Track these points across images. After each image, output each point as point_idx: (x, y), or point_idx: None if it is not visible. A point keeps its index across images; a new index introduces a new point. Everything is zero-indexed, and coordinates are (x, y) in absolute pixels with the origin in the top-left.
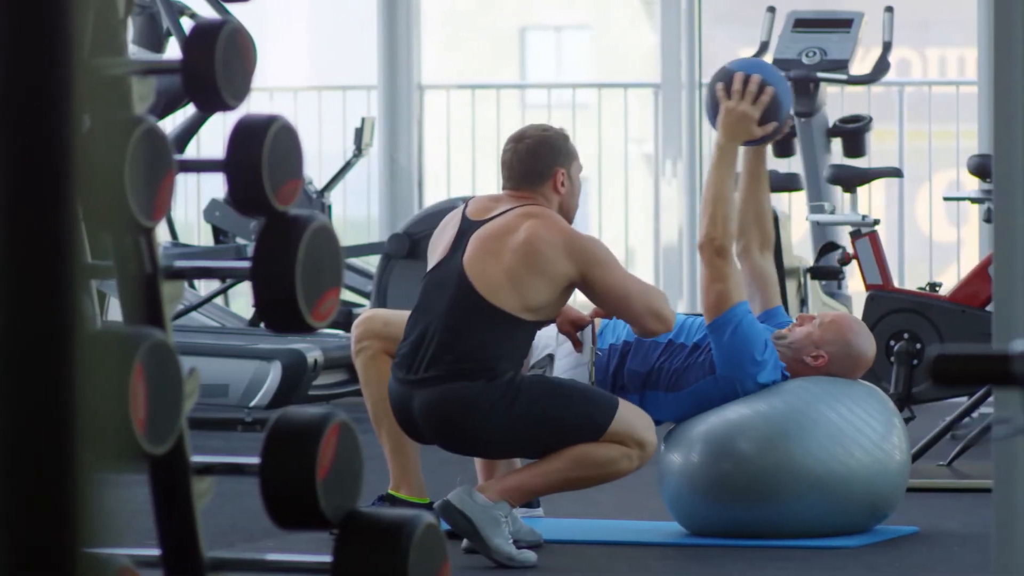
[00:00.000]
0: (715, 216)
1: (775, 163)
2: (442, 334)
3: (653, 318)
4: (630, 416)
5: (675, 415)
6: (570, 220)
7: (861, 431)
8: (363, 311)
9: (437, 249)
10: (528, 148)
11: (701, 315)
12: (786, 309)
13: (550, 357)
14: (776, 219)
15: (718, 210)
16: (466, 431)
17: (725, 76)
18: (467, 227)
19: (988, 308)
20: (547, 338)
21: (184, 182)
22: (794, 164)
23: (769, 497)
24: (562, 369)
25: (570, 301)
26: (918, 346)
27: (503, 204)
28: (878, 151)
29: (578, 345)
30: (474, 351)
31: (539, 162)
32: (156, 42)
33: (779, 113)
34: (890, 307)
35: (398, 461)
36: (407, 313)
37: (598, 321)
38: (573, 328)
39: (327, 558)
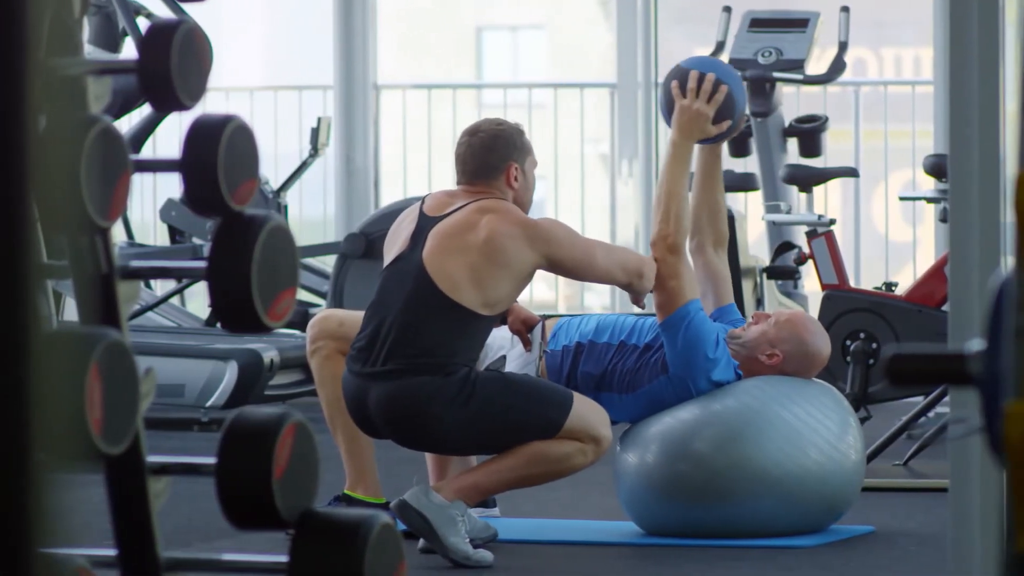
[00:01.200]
0: (668, 213)
1: (731, 163)
2: (400, 328)
3: (632, 275)
4: (585, 411)
5: (630, 416)
6: (524, 211)
7: (816, 431)
8: (319, 311)
9: (395, 244)
10: (482, 142)
11: (654, 315)
12: (742, 309)
13: (503, 359)
14: (732, 219)
15: (671, 207)
16: (422, 426)
17: (680, 74)
18: (424, 223)
19: (944, 308)
20: (501, 339)
21: (140, 182)
22: (750, 164)
23: (725, 497)
24: (512, 368)
25: (527, 302)
26: (874, 346)
27: (459, 199)
28: (834, 151)
29: (528, 344)
30: (432, 346)
31: (492, 156)
32: (112, 42)
33: (733, 111)
34: (846, 307)
35: (354, 461)
36: (363, 313)
37: (551, 322)
38: (524, 327)
39: (283, 558)
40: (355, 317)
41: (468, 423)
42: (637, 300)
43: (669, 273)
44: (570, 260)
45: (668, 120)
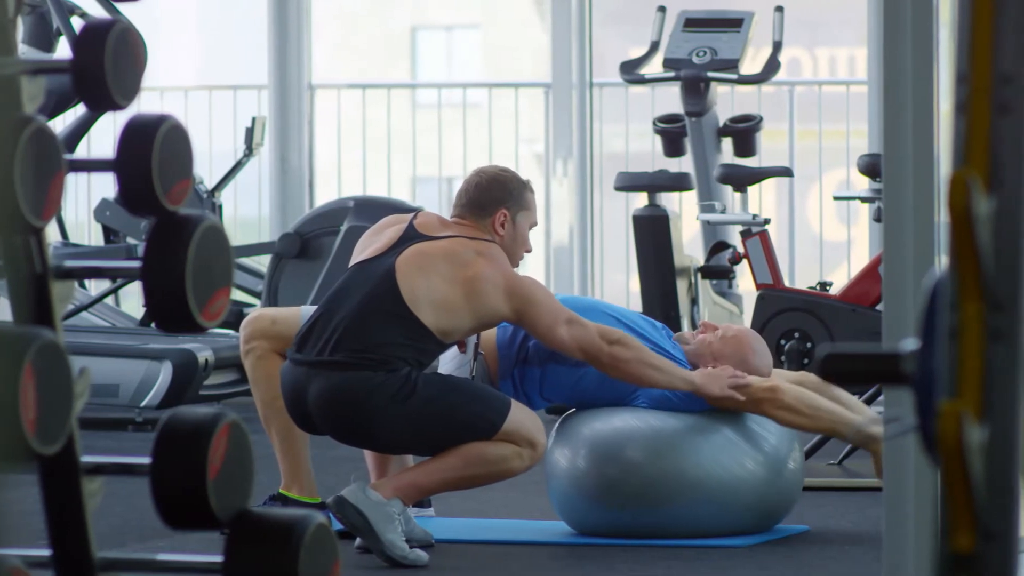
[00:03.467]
0: (798, 413)
1: (665, 162)
2: (351, 322)
3: (588, 356)
4: (522, 416)
5: (572, 394)
6: (513, 266)
7: (754, 442)
8: (260, 306)
9: (372, 245)
10: (479, 182)
11: (610, 305)
12: (676, 309)
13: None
14: (667, 219)
15: (800, 419)
16: (359, 421)
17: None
18: (411, 235)
19: (878, 307)
20: None
21: (74, 182)
22: (684, 163)
23: (658, 504)
24: (447, 368)
25: None
26: (808, 345)
27: (450, 229)
28: (768, 150)
29: (463, 346)
30: (380, 346)
31: (486, 196)
32: (46, 42)
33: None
34: (780, 306)
35: (289, 461)
36: (296, 311)
37: None
38: None
39: (218, 558)
40: (288, 315)
41: (406, 420)
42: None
43: (751, 406)
44: (535, 320)
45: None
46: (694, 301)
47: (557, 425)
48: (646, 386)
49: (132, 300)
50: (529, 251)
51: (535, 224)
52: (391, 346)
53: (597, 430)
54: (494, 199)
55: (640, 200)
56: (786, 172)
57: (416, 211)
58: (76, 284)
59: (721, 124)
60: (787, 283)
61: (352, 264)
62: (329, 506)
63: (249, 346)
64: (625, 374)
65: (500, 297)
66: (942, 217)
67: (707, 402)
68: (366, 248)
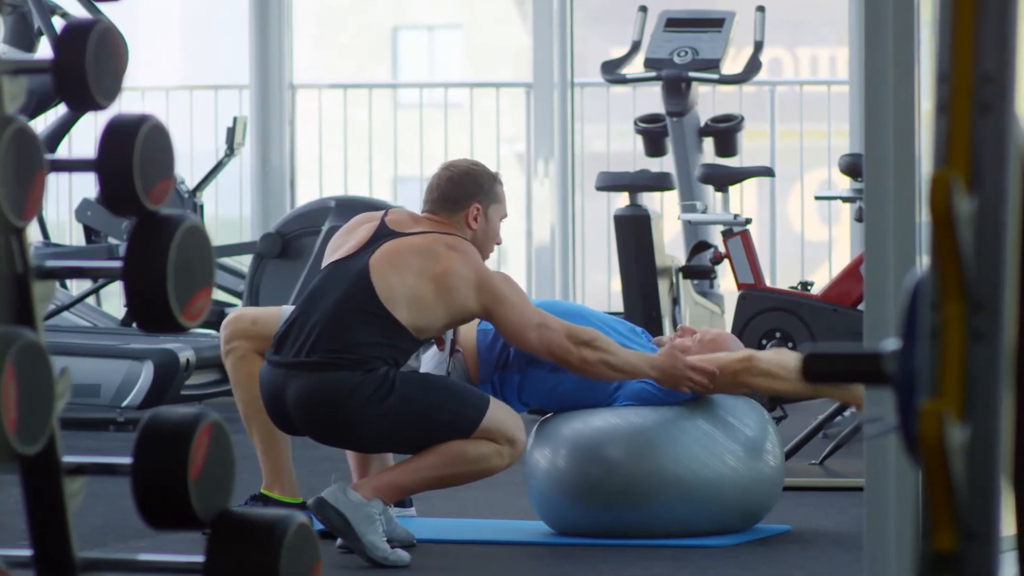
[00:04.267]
0: (775, 378)
1: (647, 162)
2: (328, 323)
3: (557, 359)
4: (501, 414)
5: (551, 398)
6: (483, 258)
7: (734, 439)
8: (242, 306)
9: (345, 244)
10: (451, 177)
11: (592, 310)
12: (657, 310)
13: (428, 342)
14: (648, 219)
15: (779, 383)
16: (339, 421)
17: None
18: (384, 233)
19: (859, 307)
20: None
21: (56, 181)
22: (666, 163)
23: (638, 503)
24: (426, 367)
25: None
26: (790, 345)
27: (422, 225)
28: (750, 150)
29: (441, 344)
30: (357, 346)
31: (458, 191)
32: (27, 41)
33: None
34: (762, 306)
35: (270, 461)
36: (276, 310)
37: None
38: None
39: (199, 558)
40: (268, 315)
41: (385, 420)
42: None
43: (729, 385)
44: (503, 319)
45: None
46: (675, 301)
47: (536, 426)
48: (618, 380)
49: (113, 300)
50: (499, 243)
51: (505, 216)
52: (368, 346)
53: (577, 430)
54: (466, 193)
55: (621, 200)
56: (767, 172)
57: (387, 208)
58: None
59: (702, 124)
60: (768, 283)
61: (326, 264)
62: (309, 507)
63: (230, 346)
64: (595, 375)
65: (470, 292)
66: (923, 217)
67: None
68: (339, 247)
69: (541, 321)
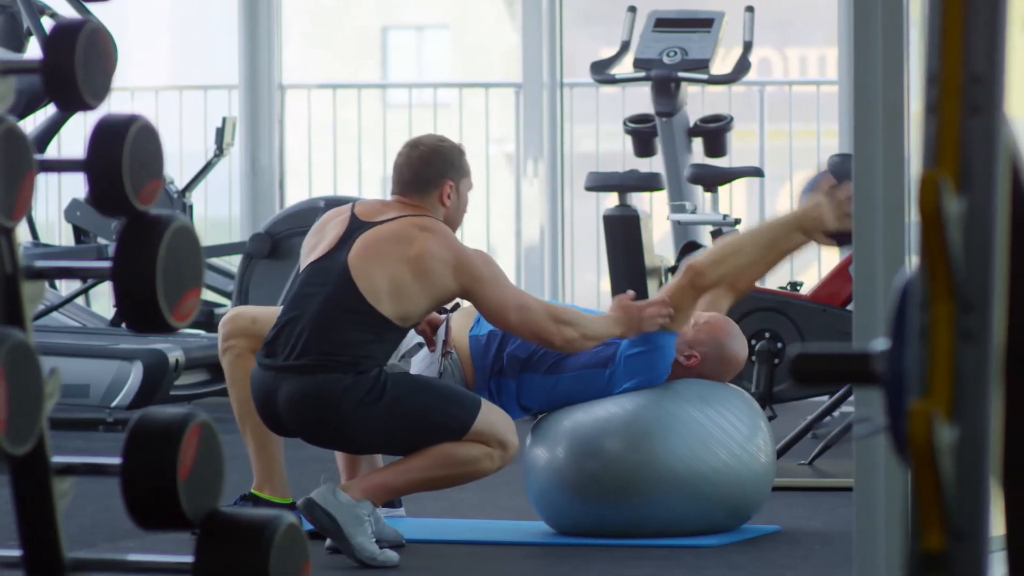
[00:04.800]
0: (723, 260)
1: (636, 163)
2: (316, 325)
3: (539, 340)
4: (493, 416)
5: (549, 400)
6: (453, 231)
7: (727, 432)
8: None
9: (321, 243)
10: (420, 155)
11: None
12: None
13: (420, 344)
14: (637, 219)
15: (729, 258)
16: (331, 423)
17: (841, 173)
18: (356, 226)
19: (849, 307)
20: (406, 340)
21: (45, 182)
22: (655, 164)
23: (634, 496)
24: (417, 367)
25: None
26: (779, 345)
27: (392, 210)
28: (739, 150)
29: (432, 345)
30: (347, 346)
31: (429, 170)
32: (17, 42)
33: (847, 237)
34: (751, 306)
35: (262, 461)
36: (275, 310)
37: (459, 314)
38: (430, 327)
39: (189, 558)
40: (267, 314)
41: (377, 421)
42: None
43: (679, 297)
44: (483, 300)
45: (806, 191)
46: None
47: (535, 422)
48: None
49: (103, 300)
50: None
51: (472, 187)
52: (358, 345)
53: (578, 421)
54: (438, 172)
55: (611, 200)
56: (756, 172)
57: (354, 200)
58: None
59: (692, 124)
60: (758, 283)
61: (305, 265)
62: (299, 508)
63: (227, 344)
64: (573, 350)
65: (448, 273)
66: (912, 217)
67: (643, 326)
68: (315, 247)
69: (521, 303)
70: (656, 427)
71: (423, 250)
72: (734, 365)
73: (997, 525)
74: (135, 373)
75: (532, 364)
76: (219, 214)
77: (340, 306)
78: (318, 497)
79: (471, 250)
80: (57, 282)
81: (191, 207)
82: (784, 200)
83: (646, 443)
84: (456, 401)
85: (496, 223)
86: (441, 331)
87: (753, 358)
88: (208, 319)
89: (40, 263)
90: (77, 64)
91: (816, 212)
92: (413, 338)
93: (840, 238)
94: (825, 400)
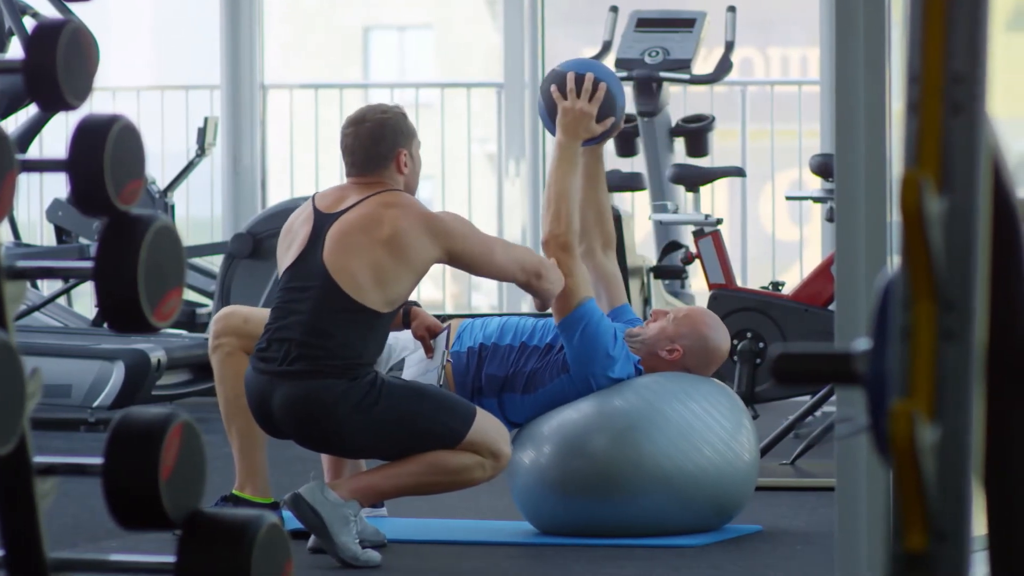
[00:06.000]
0: (559, 213)
1: (618, 162)
2: (306, 331)
3: (530, 274)
4: (487, 426)
5: (533, 412)
6: (412, 195)
7: (711, 429)
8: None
9: (292, 246)
10: (369, 132)
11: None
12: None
13: (403, 360)
14: (619, 218)
15: (561, 208)
16: (326, 429)
17: (557, 78)
18: (322, 222)
19: (830, 307)
20: (404, 340)
21: (27, 182)
22: (637, 163)
23: (618, 493)
24: (411, 373)
25: (424, 304)
26: (761, 345)
27: (352, 193)
28: (721, 150)
29: (430, 351)
30: (340, 349)
31: (382, 145)
32: None
33: (614, 108)
34: (733, 306)
35: (246, 461)
36: (267, 312)
37: (455, 323)
38: (428, 334)
39: (171, 558)
40: (259, 315)
41: (372, 428)
42: (542, 305)
43: (564, 272)
44: (469, 255)
45: (548, 125)
46: (647, 301)
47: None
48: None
49: (84, 300)
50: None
51: (421, 144)
52: (349, 346)
53: (563, 418)
54: (390, 145)
55: None
56: (738, 172)
57: (312, 196)
58: (28, 284)
59: (673, 124)
60: (740, 283)
61: (284, 270)
62: (286, 503)
63: (218, 342)
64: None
65: (426, 241)
66: (894, 217)
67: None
68: (287, 250)
69: (504, 244)
70: (640, 422)
71: (395, 228)
72: (717, 356)
73: (979, 525)
74: (117, 373)
75: (509, 384)
76: (201, 214)
77: (327, 308)
78: (306, 493)
79: (441, 212)
80: (39, 282)
81: (173, 207)
82: (766, 200)
83: (630, 438)
84: (451, 410)
85: (478, 222)
86: (441, 339)
87: (735, 358)
88: (190, 319)
89: (22, 263)
90: (59, 64)
91: (565, 119)
92: (401, 351)
93: (600, 116)
94: (807, 400)
